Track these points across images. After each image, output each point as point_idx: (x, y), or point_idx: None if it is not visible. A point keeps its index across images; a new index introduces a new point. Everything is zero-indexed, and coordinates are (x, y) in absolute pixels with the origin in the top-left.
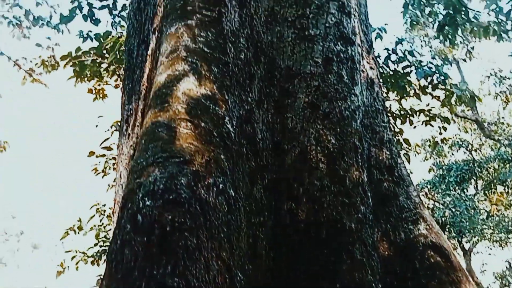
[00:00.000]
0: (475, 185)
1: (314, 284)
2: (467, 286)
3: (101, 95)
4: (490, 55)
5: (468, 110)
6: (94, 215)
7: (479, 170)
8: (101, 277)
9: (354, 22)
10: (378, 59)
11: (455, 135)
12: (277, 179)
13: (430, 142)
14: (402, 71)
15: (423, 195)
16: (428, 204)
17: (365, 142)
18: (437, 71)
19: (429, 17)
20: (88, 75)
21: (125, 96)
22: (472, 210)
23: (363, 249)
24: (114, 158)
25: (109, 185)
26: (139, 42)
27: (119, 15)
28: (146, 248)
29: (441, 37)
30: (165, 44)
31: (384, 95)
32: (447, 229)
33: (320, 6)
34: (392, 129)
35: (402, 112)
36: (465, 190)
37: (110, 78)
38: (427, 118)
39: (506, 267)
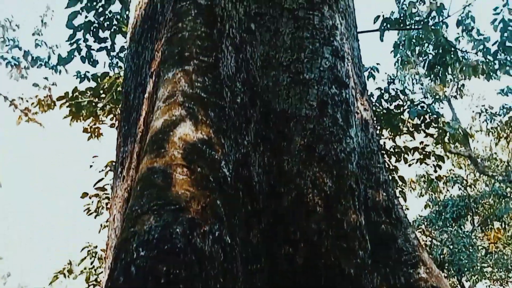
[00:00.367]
0: (471, 221)
1: None
2: None
3: (96, 134)
4: (480, 91)
5: (461, 147)
6: (86, 257)
7: (475, 206)
8: None
9: (348, 65)
10: (371, 97)
11: (449, 170)
12: (274, 223)
13: (425, 178)
14: (395, 110)
15: (420, 231)
16: (426, 241)
17: (362, 184)
18: (429, 110)
19: (419, 57)
20: (84, 115)
21: (121, 138)
22: (470, 247)
23: None
24: (108, 198)
25: (101, 225)
26: (136, 85)
27: (116, 56)
28: None
29: (431, 76)
30: (162, 89)
31: (378, 132)
32: (446, 268)
33: (314, 51)
34: (387, 167)
35: (396, 150)
36: (462, 227)
37: (106, 117)
38: (421, 156)
39: None
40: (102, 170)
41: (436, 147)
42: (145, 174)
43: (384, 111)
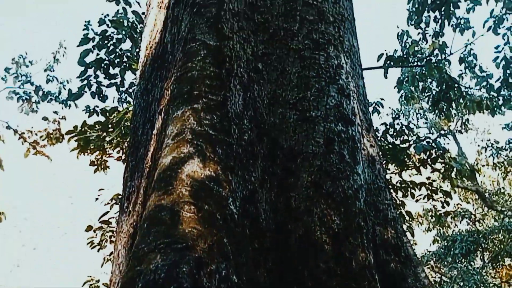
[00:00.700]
0: (481, 257)
1: None
2: None
3: (103, 167)
4: (485, 125)
5: (468, 181)
6: None
7: (485, 241)
8: None
9: (354, 103)
10: (377, 133)
11: (457, 204)
12: (281, 261)
13: (432, 212)
14: (400, 145)
15: (429, 267)
16: (435, 277)
17: (369, 221)
18: (435, 145)
19: (423, 92)
20: (92, 148)
21: (128, 172)
22: (482, 285)
23: None
24: (112, 231)
25: (104, 259)
26: (144, 121)
27: (126, 91)
28: None
29: (436, 111)
30: (171, 126)
31: (384, 167)
32: None
33: (321, 89)
34: (394, 202)
35: (403, 185)
36: (472, 263)
37: (113, 151)
38: (429, 192)
39: None
40: (108, 203)
41: (443, 182)
42: (152, 211)
43: (390, 145)
